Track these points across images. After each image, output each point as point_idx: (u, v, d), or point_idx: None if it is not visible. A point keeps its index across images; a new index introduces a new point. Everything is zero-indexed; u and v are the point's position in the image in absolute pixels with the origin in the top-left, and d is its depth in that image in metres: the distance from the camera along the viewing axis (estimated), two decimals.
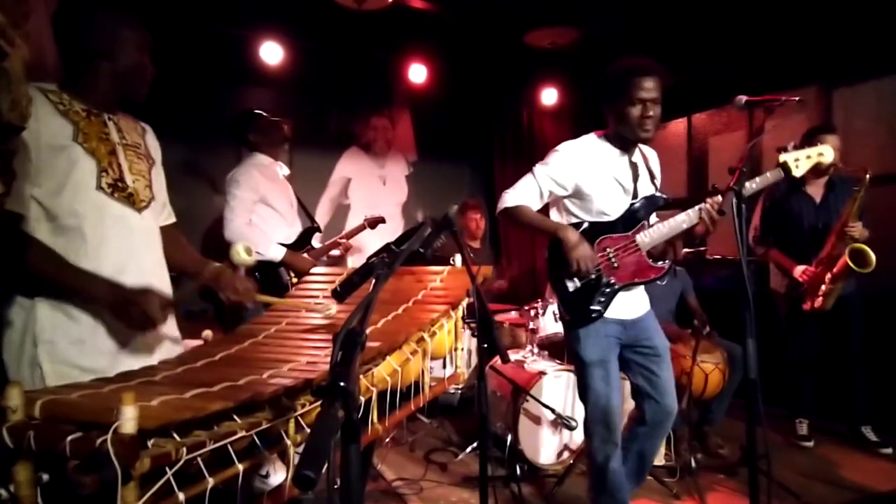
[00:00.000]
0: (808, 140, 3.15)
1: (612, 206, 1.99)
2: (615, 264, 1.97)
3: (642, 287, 2.06)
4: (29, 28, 0.95)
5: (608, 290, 1.96)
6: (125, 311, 1.24)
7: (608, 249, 1.97)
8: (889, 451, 3.07)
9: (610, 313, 1.97)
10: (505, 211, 2.02)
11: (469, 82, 4.82)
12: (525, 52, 4.27)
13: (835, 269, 2.93)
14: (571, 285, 1.96)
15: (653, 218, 2.04)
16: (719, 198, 1.88)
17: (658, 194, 2.04)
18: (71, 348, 1.28)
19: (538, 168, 2.01)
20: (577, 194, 2.00)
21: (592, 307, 1.95)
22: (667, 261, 2.00)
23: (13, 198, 1.19)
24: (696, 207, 1.92)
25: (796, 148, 1.88)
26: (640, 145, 2.06)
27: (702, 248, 3.29)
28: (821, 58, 3.72)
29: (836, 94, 3.74)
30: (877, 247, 3.20)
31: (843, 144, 3.69)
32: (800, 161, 1.86)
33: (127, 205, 1.38)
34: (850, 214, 2.91)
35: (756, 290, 3.58)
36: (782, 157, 1.86)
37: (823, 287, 2.98)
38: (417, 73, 4.43)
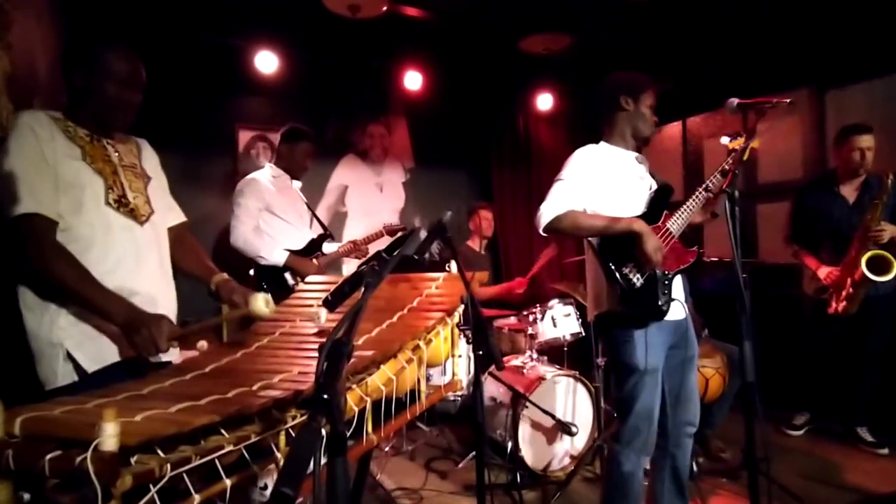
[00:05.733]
0: (842, 136, 3.10)
1: (638, 200, 1.98)
2: None
3: (682, 285, 2.03)
4: (15, 41, 0.95)
5: (666, 280, 1.91)
6: (137, 332, 1.30)
7: None
8: (885, 451, 3.06)
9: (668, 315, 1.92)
10: (555, 221, 1.86)
11: (464, 89, 4.83)
12: (520, 58, 4.27)
13: (856, 275, 2.89)
14: (637, 281, 1.88)
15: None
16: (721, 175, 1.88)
17: (669, 183, 2.04)
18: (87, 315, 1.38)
19: (563, 174, 1.95)
20: (604, 193, 1.94)
21: (660, 300, 1.88)
22: (695, 246, 1.99)
23: (47, 206, 1.31)
24: (703, 186, 1.93)
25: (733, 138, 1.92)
26: None
27: (699, 251, 3.29)
28: (813, 61, 3.74)
29: (829, 96, 3.76)
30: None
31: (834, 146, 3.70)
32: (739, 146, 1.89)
33: (130, 218, 1.50)
34: (872, 219, 2.86)
35: (784, 293, 3.51)
36: (731, 144, 1.88)
37: (845, 292, 2.93)
38: (413, 81, 4.44)
